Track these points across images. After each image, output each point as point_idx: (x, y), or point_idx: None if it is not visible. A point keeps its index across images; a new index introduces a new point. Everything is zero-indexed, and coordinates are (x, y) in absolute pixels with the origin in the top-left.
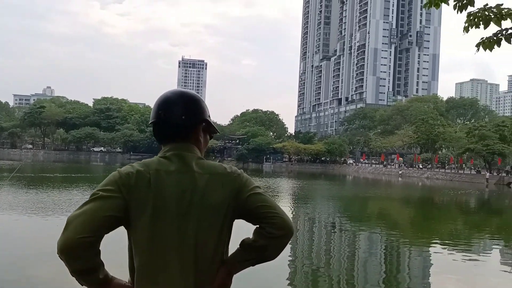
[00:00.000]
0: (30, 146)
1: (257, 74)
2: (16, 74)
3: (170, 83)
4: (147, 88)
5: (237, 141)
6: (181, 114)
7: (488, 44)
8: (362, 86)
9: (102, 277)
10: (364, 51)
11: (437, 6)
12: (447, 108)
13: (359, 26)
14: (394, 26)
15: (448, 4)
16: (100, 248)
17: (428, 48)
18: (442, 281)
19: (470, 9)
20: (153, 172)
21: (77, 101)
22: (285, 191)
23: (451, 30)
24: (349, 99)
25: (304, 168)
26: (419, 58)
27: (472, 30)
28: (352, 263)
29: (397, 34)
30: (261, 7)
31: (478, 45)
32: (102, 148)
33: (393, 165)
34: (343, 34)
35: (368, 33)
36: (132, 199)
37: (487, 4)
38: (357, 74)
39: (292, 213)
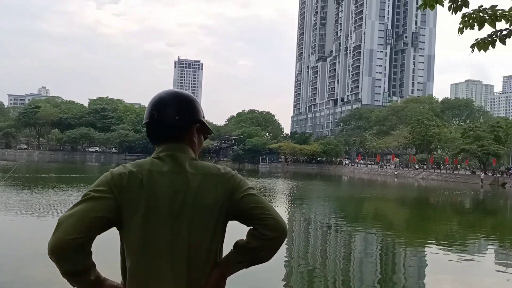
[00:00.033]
0: (25, 146)
1: (253, 75)
2: (11, 74)
3: (166, 83)
4: (142, 88)
5: (233, 142)
6: (174, 115)
7: (482, 45)
8: (357, 86)
9: (94, 278)
10: (360, 52)
11: (432, 7)
12: (442, 109)
13: (355, 27)
14: (389, 27)
15: (443, 6)
16: (92, 249)
17: (424, 49)
18: (437, 281)
19: (464, 10)
20: (146, 172)
21: (72, 101)
22: (281, 191)
23: (446, 31)
24: (345, 99)
25: (300, 168)
26: (414, 59)
27: (467, 31)
28: (348, 264)
29: (393, 35)
30: (257, 8)
31: (472, 46)
32: (97, 149)
33: (389, 165)
34: (339, 35)
35: (364, 34)
36: (124, 199)
37: (481, 6)
38: (352, 74)
39: (288, 213)
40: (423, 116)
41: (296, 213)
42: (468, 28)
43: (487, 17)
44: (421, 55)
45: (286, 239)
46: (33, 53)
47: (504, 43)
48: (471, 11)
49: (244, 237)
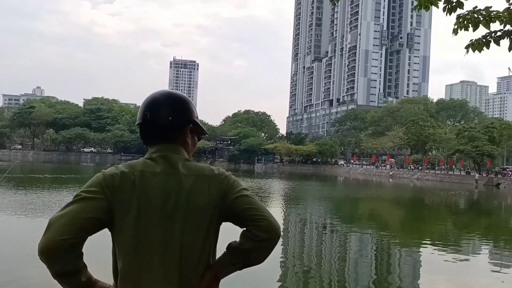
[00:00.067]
0: (20, 146)
1: (248, 75)
2: (5, 73)
3: (161, 83)
4: (138, 89)
5: (229, 142)
6: (168, 115)
7: (477, 46)
8: (353, 87)
9: (85, 280)
10: (355, 53)
11: (427, 8)
12: (437, 109)
13: (350, 28)
14: (385, 28)
15: (437, 7)
16: (83, 251)
17: (419, 50)
18: (432, 281)
19: (459, 11)
20: (138, 173)
21: (67, 101)
22: (277, 192)
23: (441, 32)
24: (340, 100)
25: (295, 169)
26: (409, 60)
27: (462, 33)
28: (343, 264)
29: (388, 36)
30: (253, 8)
31: (467, 47)
32: (92, 149)
33: (384, 166)
34: (334, 35)
35: (359, 34)
36: (116, 200)
37: (476, 7)
38: (348, 75)
39: (283, 214)
40: (418, 117)
41: (291, 213)
42: (463, 29)
43: (481, 18)
44: (416, 56)
45: (281, 240)
46: (28, 53)
47: (498, 44)
48: (466, 12)
49: (238, 239)
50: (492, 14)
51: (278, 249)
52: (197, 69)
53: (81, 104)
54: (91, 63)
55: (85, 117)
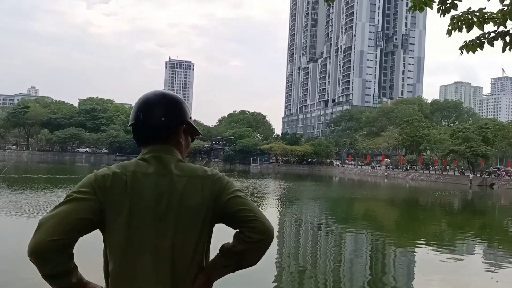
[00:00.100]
0: (14, 146)
1: (244, 75)
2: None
3: (157, 83)
4: (133, 89)
5: (224, 142)
6: (161, 116)
7: (471, 47)
8: (348, 88)
9: (76, 281)
10: (351, 54)
11: (421, 9)
12: (431, 110)
13: (346, 29)
14: (380, 29)
15: (432, 8)
16: (74, 252)
17: (413, 51)
18: (427, 281)
19: (453, 12)
20: (130, 174)
21: (62, 101)
22: (272, 192)
23: (436, 34)
24: (336, 101)
25: (290, 169)
26: (404, 61)
27: (456, 34)
28: (338, 264)
29: (383, 37)
30: (248, 9)
31: (461, 48)
32: (87, 149)
33: (379, 166)
34: (329, 36)
35: (354, 35)
36: (108, 201)
37: (470, 8)
38: (343, 76)
39: (279, 214)
40: (413, 118)
41: (287, 214)
42: (457, 30)
43: (475, 20)
44: (410, 57)
45: (277, 240)
46: (23, 53)
47: (492, 45)
48: (460, 14)
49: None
50: (485, 15)
51: (273, 249)
52: (193, 69)
53: (76, 104)
54: (86, 63)
55: (80, 117)
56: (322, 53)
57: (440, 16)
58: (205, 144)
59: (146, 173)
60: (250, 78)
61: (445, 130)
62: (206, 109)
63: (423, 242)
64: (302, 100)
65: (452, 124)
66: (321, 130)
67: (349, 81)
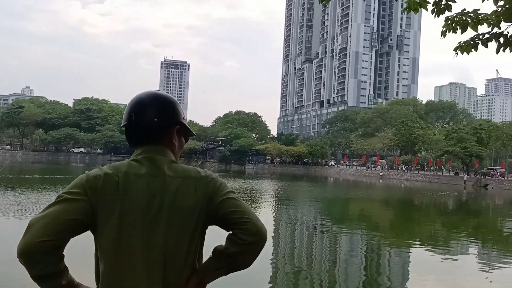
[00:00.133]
0: (8, 147)
1: (240, 76)
2: None
3: (152, 83)
4: (128, 89)
5: (220, 143)
6: (153, 116)
7: (465, 48)
8: (343, 88)
9: (66, 283)
10: (346, 54)
11: (416, 10)
12: (426, 111)
13: (341, 30)
14: (375, 30)
15: (426, 9)
16: (65, 253)
17: (408, 52)
18: (422, 281)
19: (448, 13)
20: (122, 175)
21: (56, 101)
22: (268, 193)
23: (431, 35)
24: (331, 101)
25: (286, 169)
26: (399, 62)
27: (451, 35)
28: (333, 265)
29: (378, 37)
30: (244, 9)
31: (456, 49)
32: (82, 149)
33: (374, 167)
34: (325, 37)
35: (350, 36)
36: (99, 202)
37: (464, 9)
38: (338, 77)
39: (274, 215)
40: (408, 118)
41: (282, 214)
42: (451, 32)
43: (469, 21)
44: (405, 58)
45: (272, 241)
46: (17, 52)
47: (486, 46)
48: (454, 15)
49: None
50: (480, 16)
51: (269, 250)
52: (188, 69)
53: (70, 104)
54: (81, 63)
55: (75, 117)
56: (317, 53)
57: (435, 17)
58: (201, 145)
59: (139, 174)
60: (246, 78)
61: (439, 131)
62: (201, 109)
63: (418, 243)
64: (298, 101)
65: (447, 125)
66: (317, 131)
67: (344, 81)
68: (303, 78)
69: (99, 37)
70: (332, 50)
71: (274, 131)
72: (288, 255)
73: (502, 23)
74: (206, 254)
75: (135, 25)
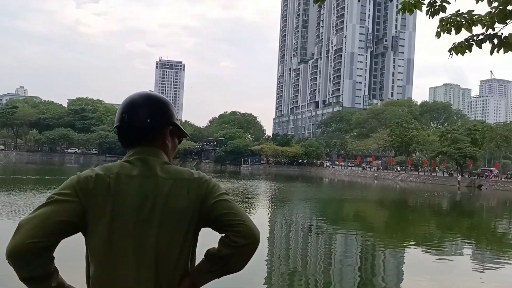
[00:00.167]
0: (2, 147)
1: (235, 76)
2: None
3: (147, 84)
4: (123, 89)
5: (215, 143)
6: (146, 117)
7: (460, 49)
8: (339, 89)
9: (55, 285)
10: (341, 55)
11: (411, 11)
12: (421, 112)
13: (336, 30)
14: (370, 31)
15: (421, 10)
16: (55, 255)
17: (403, 53)
18: (417, 282)
19: (442, 15)
20: (114, 176)
21: (51, 101)
22: (263, 193)
23: (426, 36)
24: (326, 102)
25: (281, 170)
26: (394, 63)
27: (446, 36)
28: (328, 266)
29: (373, 38)
30: (239, 10)
31: (450, 50)
32: (76, 150)
33: (369, 167)
34: (320, 37)
35: (345, 37)
36: (90, 204)
37: (458, 10)
38: (334, 77)
39: (269, 215)
40: (402, 119)
41: (277, 215)
42: (446, 33)
43: (464, 22)
44: (400, 59)
45: (267, 242)
46: (11, 52)
47: (480, 47)
48: (449, 16)
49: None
50: (474, 17)
51: (264, 250)
52: (183, 69)
53: (65, 105)
54: (75, 63)
55: (69, 118)
56: (313, 54)
57: (429, 18)
58: (196, 145)
59: (130, 175)
60: (241, 79)
61: (434, 132)
62: (197, 110)
63: (413, 243)
64: (293, 101)
65: (441, 126)
66: (312, 131)
67: (339, 82)
68: (298, 79)
69: (94, 37)
70: (328, 50)
71: (269, 132)
72: (283, 256)
73: (496, 24)
74: (200, 257)
75: (130, 25)
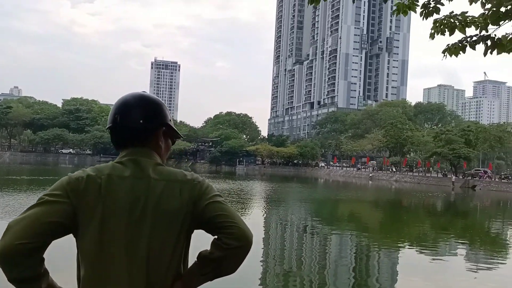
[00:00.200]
0: None
1: (231, 77)
2: None
3: (142, 84)
4: (118, 89)
5: (210, 144)
6: (139, 118)
7: (453, 50)
8: (333, 90)
9: (45, 286)
10: (336, 56)
11: (405, 13)
12: (415, 112)
13: (331, 31)
14: (365, 32)
15: (415, 12)
16: (44, 256)
17: (398, 54)
18: (411, 282)
19: (436, 16)
20: (105, 177)
21: (45, 101)
22: (258, 194)
23: (420, 37)
24: (321, 103)
25: (276, 171)
26: (388, 64)
27: (440, 37)
28: (323, 266)
29: (368, 39)
30: (235, 10)
31: (444, 51)
32: (71, 150)
33: (364, 168)
34: (315, 38)
35: (340, 38)
36: (81, 205)
37: (452, 12)
38: (329, 78)
39: (264, 216)
40: (397, 120)
41: (273, 215)
42: (439, 34)
43: (457, 23)
44: (395, 60)
45: (262, 242)
46: (5, 52)
47: (474, 48)
48: (442, 17)
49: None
50: (467, 19)
51: (259, 251)
52: (179, 70)
53: (59, 105)
54: (70, 63)
55: (64, 118)
56: (308, 55)
57: (423, 19)
58: (191, 146)
59: (122, 176)
60: (237, 79)
61: (428, 133)
62: (192, 110)
63: (407, 244)
64: (288, 102)
65: (435, 127)
66: (307, 132)
67: (334, 83)
68: (293, 80)
69: (89, 37)
70: (323, 51)
71: (264, 132)
72: (278, 256)
73: (490, 26)
74: (192, 259)
75: (125, 25)
